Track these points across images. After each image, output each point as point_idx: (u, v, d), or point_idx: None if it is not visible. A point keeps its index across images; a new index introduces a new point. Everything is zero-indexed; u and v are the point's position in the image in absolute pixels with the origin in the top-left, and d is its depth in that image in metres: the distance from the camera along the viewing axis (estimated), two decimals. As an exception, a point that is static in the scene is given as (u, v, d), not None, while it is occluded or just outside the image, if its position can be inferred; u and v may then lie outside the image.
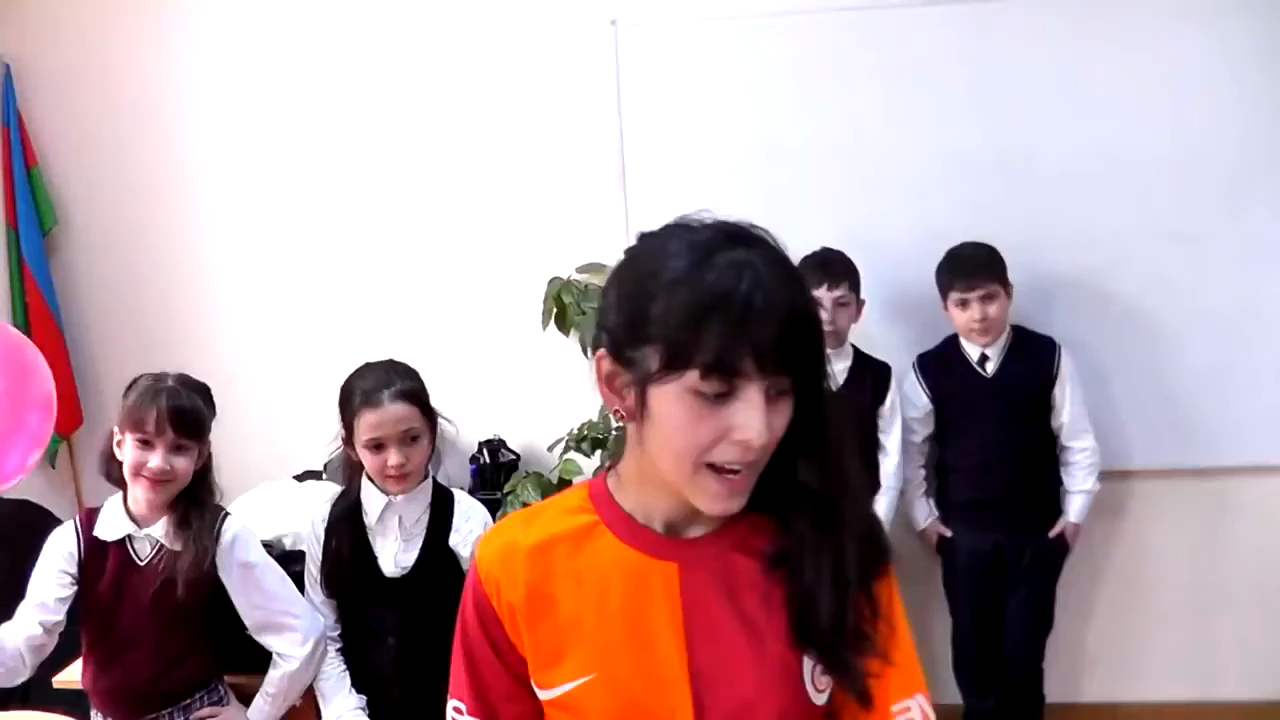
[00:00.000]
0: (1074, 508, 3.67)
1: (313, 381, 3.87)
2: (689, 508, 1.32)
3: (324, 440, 3.45)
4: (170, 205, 4.09)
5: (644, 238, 1.32)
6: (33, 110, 4.07)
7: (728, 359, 1.19)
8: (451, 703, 1.45)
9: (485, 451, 3.61)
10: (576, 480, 3.59)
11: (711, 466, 1.25)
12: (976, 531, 3.67)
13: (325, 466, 3.38)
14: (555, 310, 3.71)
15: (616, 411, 1.31)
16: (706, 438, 1.23)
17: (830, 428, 1.30)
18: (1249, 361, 3.79)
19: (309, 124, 4.03)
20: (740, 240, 1.24)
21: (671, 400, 1.23)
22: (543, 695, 1.38)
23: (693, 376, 1.20)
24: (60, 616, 2.50)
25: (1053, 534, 3.67)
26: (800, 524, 1.32)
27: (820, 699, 1.32)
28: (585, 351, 3.71)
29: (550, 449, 3.68)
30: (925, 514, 3.76)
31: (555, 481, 3.57)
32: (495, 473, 3.57)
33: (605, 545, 1.36)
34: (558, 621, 1.36)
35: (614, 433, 3.59)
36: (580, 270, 3.76)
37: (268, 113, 4.04)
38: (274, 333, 4.05)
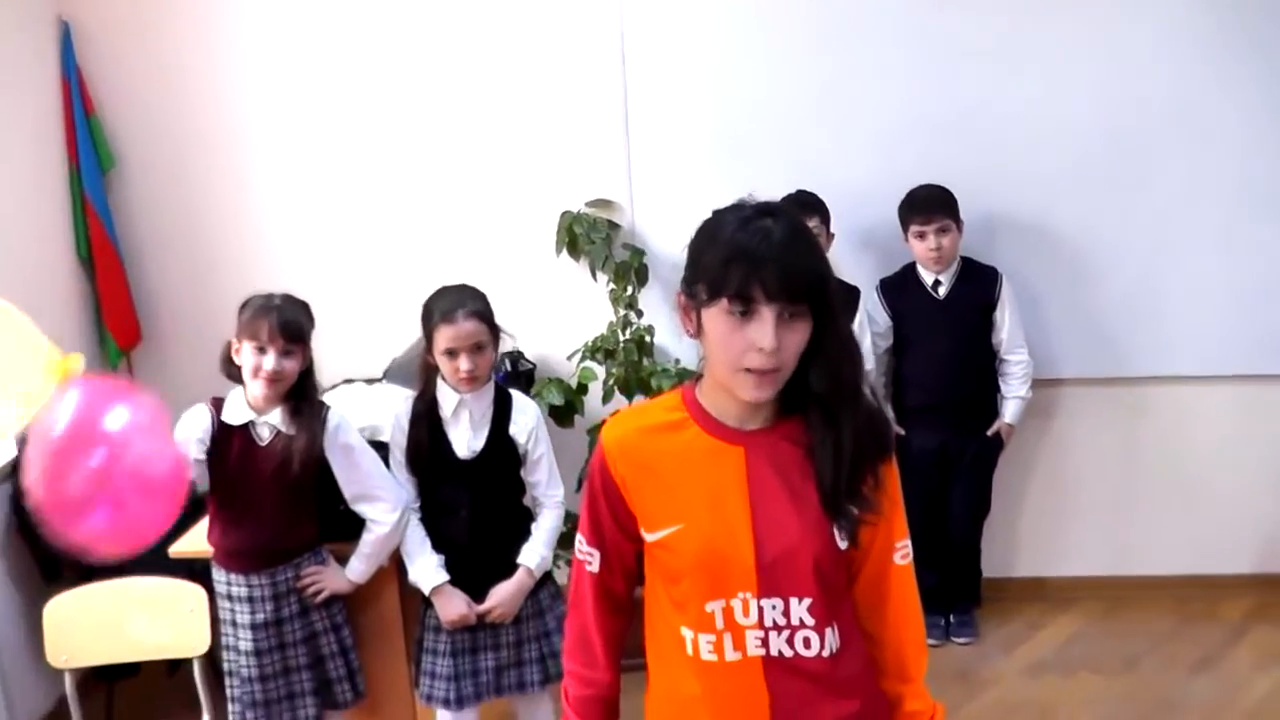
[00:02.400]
0: (1009, 411, 4.25)
1: (352, 301, 4.33)
2: (749, 407, 1.85)
3: (369, 350, 3.99)
4: (217, 147, 4.44)
5: (715, 214, 1.85)
6: (90, 64, 4.37)
7: (744, 291, 1.72)
8: (578, 537, 2.01)
9: (507, 361, 4.12)
10: (591, 384, 4.17)
11: (747, 370, 1.78)
12: (927, 432, 4.23)
13: (385, 372, 3.90)
14: (567, 239, 4.24)
15: (689, 331, 1.85)
16: (737, 346, 1.75)
17: (830, 348, 1.80)
18: (1163, 288, 4.31)
19: (344, 69, 4.36)
20: (770, 214, 1.78)
21: (714, 320, 1.76)
22: (648, 538, 1.91)
23: (724, 303, 1.74)
24: (193, 478, 2.94)
25: (990, 433, 4.25)
26: (814, 419, 1.83)
27: (844, 544, 1.86)
28: (593, 275, 4.25)
29: (569, 358, 4.19)
30: (883, 416, 4.33)
31: (574, 385, 4.13)
32: (515, 380, 4.08)
33: (692, 434, 1.88)
34: (658, 487, 1.89)
35: (622, 344, 4.15)
36: (589, 205, 4.29)
37: (306, 64, 4.38)
38: (315, 260, 4.43)
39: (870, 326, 4.20)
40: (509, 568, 3.13)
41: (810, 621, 1.84)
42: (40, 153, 4.29)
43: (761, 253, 1.72)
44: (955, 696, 3.93)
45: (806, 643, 1.85)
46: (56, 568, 3.97)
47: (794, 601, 1.83)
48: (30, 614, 3.95)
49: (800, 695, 1.86)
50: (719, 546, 1.84)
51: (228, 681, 3.17)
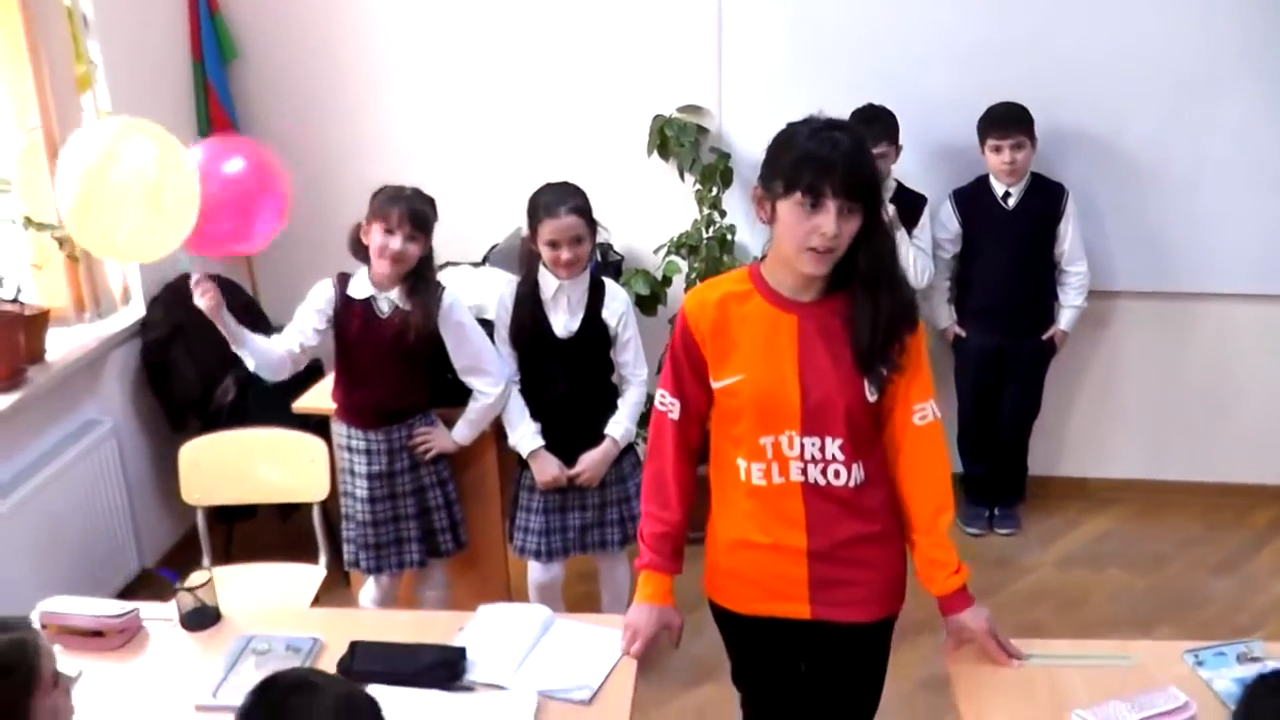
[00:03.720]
0: (1065, 318, 4.53)
1: (458, 190, 4.59)
2: (803, 281, 2.29)
3: (472, 236, 4.31)
4: (334, 42, 4.73)
5: (789, 125, 2.28)
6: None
7: (815, 187, 2.16)
8: (659, 392, 2.47)
9: (598, 252, 4.42)
10: (675, 277, 4.48)
11: (811, 249, 2.19)
12: (985, 333, 4.53)
13: (485, 257, 4.24)
14: (659, 141, 4.53)
15: (762, 218, 2.29)
16: (804, 230, 2.19)
17: (876, 237, 2.26)
18: (1217, 210, 4.54)
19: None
20: (837, 127, 2.23)
21: (787, 209, 2.21)
22: (715, 385, 2.38)
23: (797, 196, 2.18)
24: (315, 343, 3.38)
25: (1045, 336, 4.55)
26: (857, 293, 2.28)
27: (873, 398, 2.32)
28: (681, 176, 4.54)
29: (655, 252, 4.51)
30: (946, 317, 4.61)
31: (659, 278, 4.45)
32: (605, 269, 4.39)
33: (757, 303, 2.35)
34: (727, 344, 2.36)
35: (705, 241, 4.46)
36: (680, 110, 4.57)
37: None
38: (424, 151, 4.73)
39: (939, 232, 4.47)
40: (597, 437, 3.51)
41: (841, 457, 2.33)
42: (166, 45, 4.58)
43: (831, 159, 2.16)
44: (992, 581, 4.28)
45: (836, 474, 2.35)
46: (182, 417, 4.39)
47: (828, 440, 2.32)
48: (158, 460, 4.41)
49: (829, 514, 2.37)
50: (772, 392, 2.32)
51: (344, 525, 3.58)
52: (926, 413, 2.39)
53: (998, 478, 4.78)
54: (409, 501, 3.54)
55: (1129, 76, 4.45)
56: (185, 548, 4.35)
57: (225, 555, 4.13)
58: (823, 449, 2.33)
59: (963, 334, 4.59)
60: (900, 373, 2.33)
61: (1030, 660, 2.44)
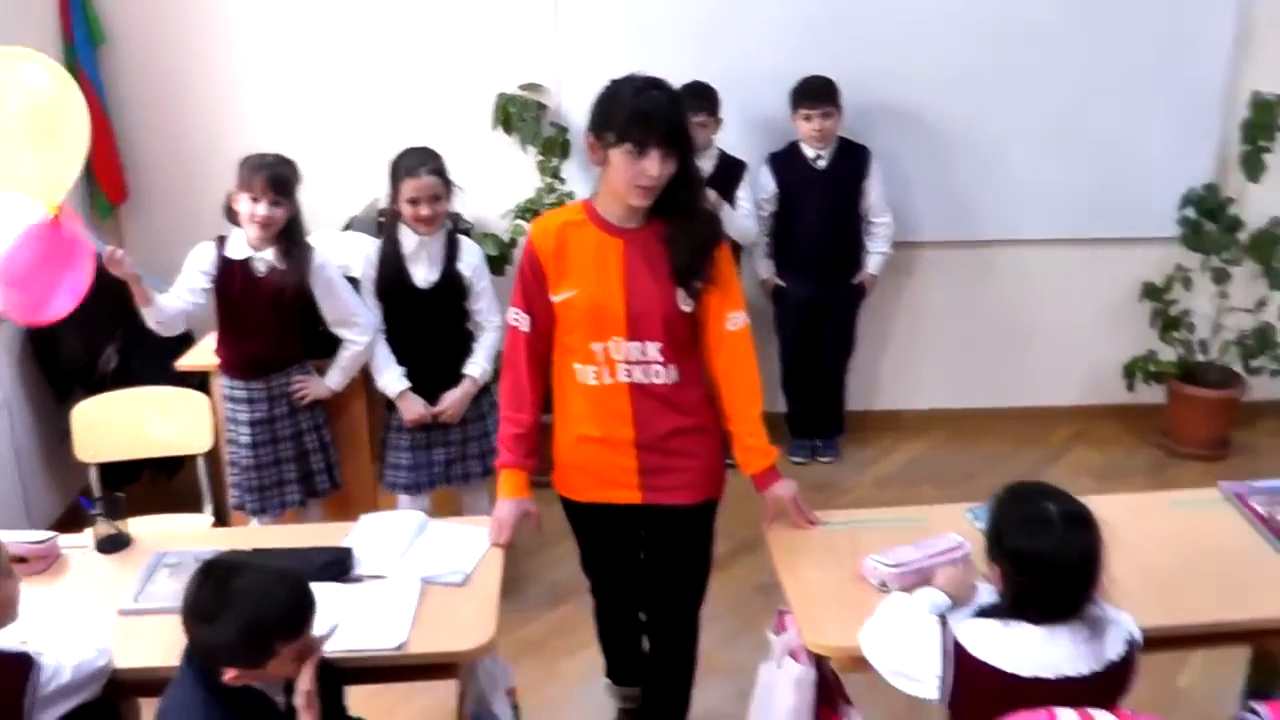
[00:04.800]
0: (872, 264, 5.04)
1: (317, 164, 4.83)
2: (629, 212, 2.75)
3: (330, 207, 4.62)
4: (198, 24, 4.95)
5: (614, 82, 2.72)
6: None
7: (642, 139, 2.62)
8: (511, 309, 2.91)
9: (449, 222, 4.79)
10: (520, 239, 4.87)
11: (637, 187, 2.65)
12: (802, 283, 5.02)
13: (348, 226, 4.60)
14: (503, 117, 4.95)
15: (594, 160, 2.74)
16: (631, 173, 2.65)
17: (689, 176, 2.74)
18: (1010, 165, 5.14)
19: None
20: (656, 86, 2.69)
21: (618, 156, 2.67)
22: (554, 299, 2.82)
23: (627, 146, 2.63)
24: (202, 300, 3.68)
25: (855, 281, 5.05)
26: (676, 219, 2.75)
27: (687, 307, 2.79)
28: (523, 148, 4.97)
29: (502, 217, 4.91)
30: (766, 269, 5.10)
31: (506, 240, 4.88)
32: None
33: (590, 230, 2.80)
34: (564, 264, 2.81)
35: (546, 206, 4.88)
36: (521, 88, 4.97)
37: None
38: (284, 128, 4.98)
39: (758, 193, 4.93)
40: (457, 378, 3.90)
41: (659, 359, 2.81)
42: (39, 28, 4.76)
43: (654, 115, 2.63)
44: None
45: (656, 374, 2.82)
46: (67, 388, 4.64)
47: (649, 344, 2.80)
48: (44, 431, 4.65)
49: (652, 409, 2.86)
50: (601, 304, 2.78)
51: (229, 471, 3.91)
52: (737, 320, 2.86)
53: (819, 413, 5.29)
54: (288, 445, 3.87)
55: (926, 47, 4.99)
56: (74, 516, 4.59)
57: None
58: (644, 352, 2.80)
59: (782, 284, 5.07)
60: (713, 284, 2.80)
61: (833, 524, 2.94)
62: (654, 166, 2.63)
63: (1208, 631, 2.66)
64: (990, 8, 4.97)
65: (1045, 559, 2.18)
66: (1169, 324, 5.23)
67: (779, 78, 4.85)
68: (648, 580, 3.15)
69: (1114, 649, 2.23)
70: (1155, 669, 3.28)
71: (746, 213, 4.85)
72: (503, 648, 3.24)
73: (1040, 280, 5.40)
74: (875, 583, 2.65)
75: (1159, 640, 2.52)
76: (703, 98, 4.68)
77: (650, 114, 2.62)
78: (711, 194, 4.44)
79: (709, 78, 4.73)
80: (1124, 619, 2.29)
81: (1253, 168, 4.96)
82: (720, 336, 2.86)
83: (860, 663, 2.48)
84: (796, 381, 5.24)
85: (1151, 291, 5.24)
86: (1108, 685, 2.22)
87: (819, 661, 2.64)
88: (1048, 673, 2.18)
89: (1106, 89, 5.08)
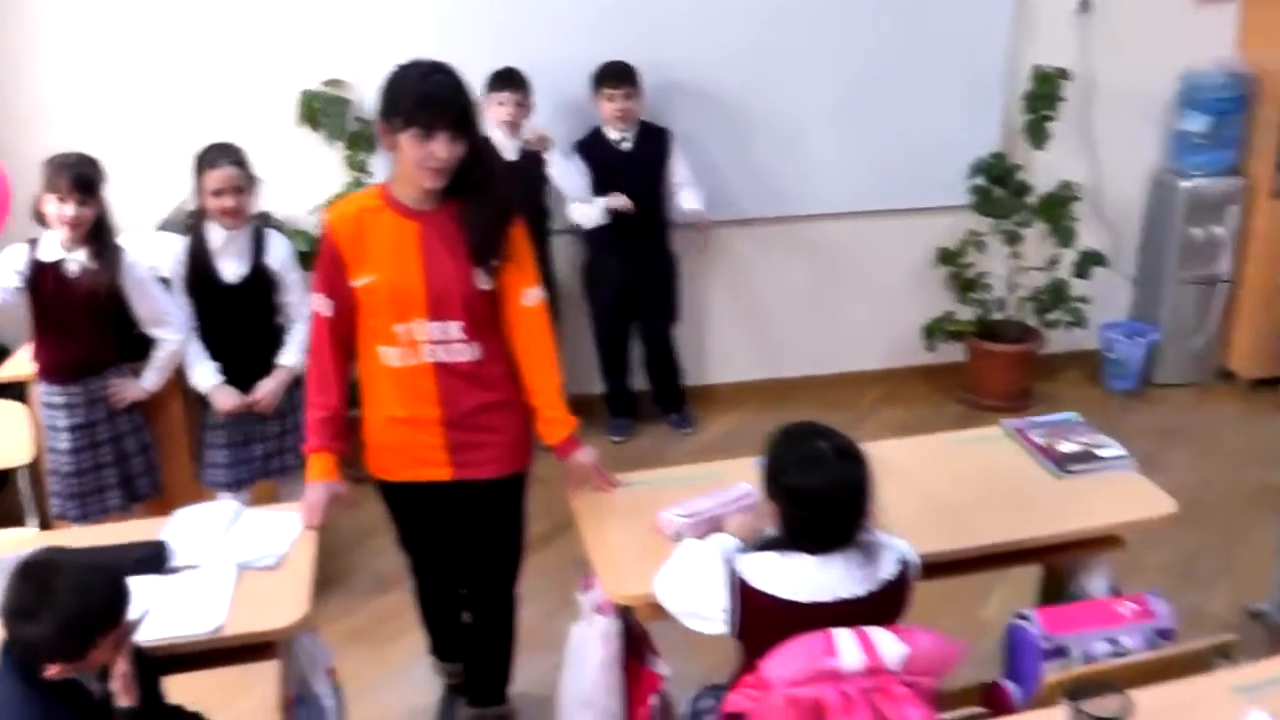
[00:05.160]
0: (690, 201, 5.11)
1: (129, 167, 4.54)
2: (423, 194, 2.83)
3: (144, 209, 4.60)
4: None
5: (399, 68, 2.80)
6: None
7: (429, 123, 2.70)
8: (314, 296, 2.97)
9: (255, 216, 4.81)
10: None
11: (428, 169, 2.74)
12: (616, 262, 5.14)
13: (160, 225, 4.57)
14: (308, 114, 4.98)
15: (387, 146, 2.82)
16: (421, 155, 2.74)
17: (479, 156, 2.82)
18: (809, 145, 5.34)
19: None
20: (440, 70, 2.78)
21: (407, 140, 2.75)
22: (355, 284, 2.89)
23: (415, 130, 2.72)
24: (15, 300, 3.65)
25: (686, 214, 5.13)
26: (469, 199, 2.83)
27: (485, 285, 2.88)
28: (330, 144, 5.01)
29: (311, 214, 4.88)
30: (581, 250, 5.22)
31: (317, 236, 4.85)
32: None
33: (387, 215, 2.88)
34: (363, 249, 2.88)
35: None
36: (324, 83, 4.99)
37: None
38: (88, 129, 4.79)
39: (576, 177, 4.99)
40: (270, 371, 3.95)
41: (461, 338, 2.90)
42: None
43: (439, 98, 2.73)
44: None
45: (459, 353, 2.91)
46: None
47: (451, 324, 2.89)
48: None
49: (456, 387, 2.95)
50: (402, 286, 2.85)
51: (49, 481, 3.88)
52: (533, 296, 2.98)
53: (665, 390, 5.47)
54: (108, 450, 3.86)
55: (722, 31, 5.14)
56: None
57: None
58: (446, 332, 2.89)
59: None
60: (509, 261, 2.91)
61: (635, 485, 3.09)
62: (442, 149, 2.72)
63: (998, 552, 2.89)
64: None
65: (818, 492, 2.35)
66: (966, 285, 5.52)
67: (578, 66, 4.96)
68: (464, 556, 3.25)
69: (887, 570, 2.40)
70: (959, 602, 3.51)
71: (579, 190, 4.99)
72: (331, 637, 3.37)
73: (844, 252, 5.62)
74: (671, 534, 2.79)
75: (953, 564, 2.80)
76: (512, 82, 4.79)
77: (435, 97, 2.72)
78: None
79: (518, 63, 4.82)
80: (896, 543, 2.46)
81: (1037, 135, 5.27)
82: (517, 313, 2.97)
83: (660, 610, 2.62)
84: (616, 362, 5.38)
85: (947, 256, 5.51)
86: (884, 603, 2.39)
87: (625, 615, 2.79)
88: (825, 596, 2.33)
89: (897, 67, 5.32)
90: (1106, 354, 5.84)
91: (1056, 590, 3.17)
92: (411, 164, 2.77)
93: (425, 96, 2.72)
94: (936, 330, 5.54)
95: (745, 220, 5.47)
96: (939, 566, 2.82)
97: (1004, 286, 5.55)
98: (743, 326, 5.69)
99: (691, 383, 5.62)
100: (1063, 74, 5.24)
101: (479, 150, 2.84)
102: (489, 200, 2.88)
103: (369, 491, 3.16)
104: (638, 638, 2.85)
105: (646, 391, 5.51)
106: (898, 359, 5.79)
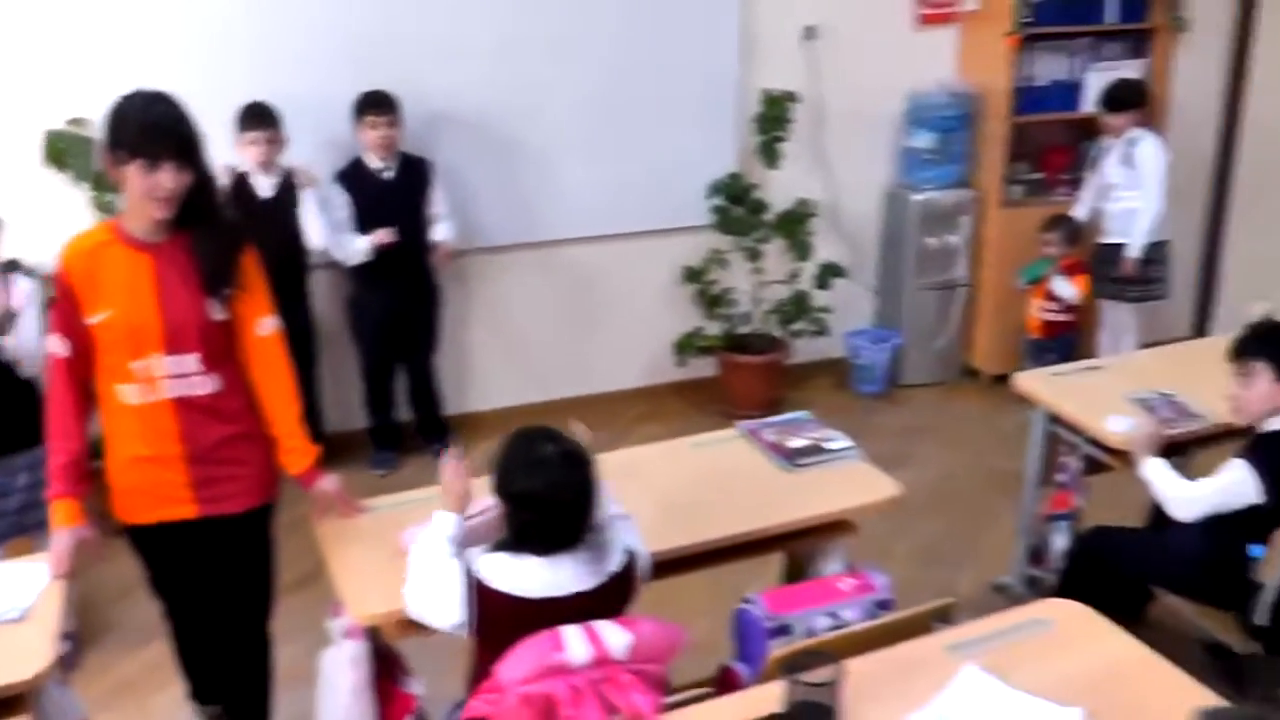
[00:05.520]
0: (443, 234, 5.16)
1: None
2: (153, 226, 2.82)
3: None
4: None
5: (121, 100, 2.78)
6: None
7: (152, 153, 2.70)
8: (51, 338, 2.90)
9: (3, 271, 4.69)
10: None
11: (154, 200, 2.74)
12: (382, 293, 5.12)
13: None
14: (53, 155, 4.82)
15: (114, 179, 2.81)
16: (146, 187, 2.73)
17: (206, 187, 2.84)
18: (560, 169, 5.46)
19: None
20: (163, 100, 2.78)
21: (133, 172, 2.74)
22: (90, 322, 2.84)
23: (140, 161, 2.71)
24: None
25: (438, 258, 5.18)
26: (199, 230, 2.85)
27: (220, 316, 2.89)
28: (77, 185, 4.89)
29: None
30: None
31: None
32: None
33: (119, 249, 2.85)
34: (95, 286, 2.84)
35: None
36: (69, 123, 4.86)
37: None
38: None
39: (335, 210, 4.99)
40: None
41: (199, 370, 2.90)
42: None
43: (164, 127, 2.74)
44: None
45: (197, 386, 2.91)
46: None
47: (187, 357, 2.88)
48: None
49: (197, 421, 2.94)
50: (137, 322, 2.82)
51: None
52: (267, 325, 2.99)
53: (429, 422, 5.48)
54: None
55: (475, 63, 5.23)
56: None
57: None
58: (183, 365, 2.88)
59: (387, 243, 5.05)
60: (242, 290, 2.92)
61: (380, 508, 3.12)
62: (169, 179, 2.73)
63: (737, 543, 3.05)
64: (524, 22, 5.27)
65: (542, 496, 2.43)
66: (712, 302, 5.73)
67: (336, 98, 4.95)
68: (216, 594, 3.22)
69: (615, 561, 2.52)
70: (718, 595, 3.62)
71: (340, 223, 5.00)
72: (96, 692, 3.31)
73: (597, 274, 5.76)
74: (414, 550, 2.83)
75: (695, 558, 2.96)
76: (262, 117, 4.78)
77: (159, 127, 2.72)
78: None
79: (275, 98, 4.82)
80: (623, 536, 2.58)
81: (770, 156, 5.53)
82: (253, 342, 2.98)
83: (407, 626, 2.68)
84: (381, 393, 5.39)
85: (692, 274, 5.70)
86: (613, 592, 2.50)
87: (374, 637, 2.82)
88: (557, 591, 2.43)
89: (636, 94, 5.50)
90: (853, 360, 6.14)
91: (798, 575, 3.34)
92: (138, 195, 2.76)
93: (148, 127, 2.72)
94: (687, 346, 5.72)
95: (502, 247, 5.56)
96: (682, 561, 2.98)
97: (749, 301, 5.78)
98: (503, 352, 5.75)
99: (454, 411, 5.65)
100: (791, 96, 5.51)
101: (206, 179, 2.85)
102: (219, 229, 2.90)
103: (125, 544, 3.11)
104: (388, 659, 2.89)
105: (411, 423, 5.52)
106: (654, 376, 5.95)
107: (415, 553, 2.64)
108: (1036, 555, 4.21)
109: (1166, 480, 3.50)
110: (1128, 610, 3.84)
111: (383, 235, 4.99)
